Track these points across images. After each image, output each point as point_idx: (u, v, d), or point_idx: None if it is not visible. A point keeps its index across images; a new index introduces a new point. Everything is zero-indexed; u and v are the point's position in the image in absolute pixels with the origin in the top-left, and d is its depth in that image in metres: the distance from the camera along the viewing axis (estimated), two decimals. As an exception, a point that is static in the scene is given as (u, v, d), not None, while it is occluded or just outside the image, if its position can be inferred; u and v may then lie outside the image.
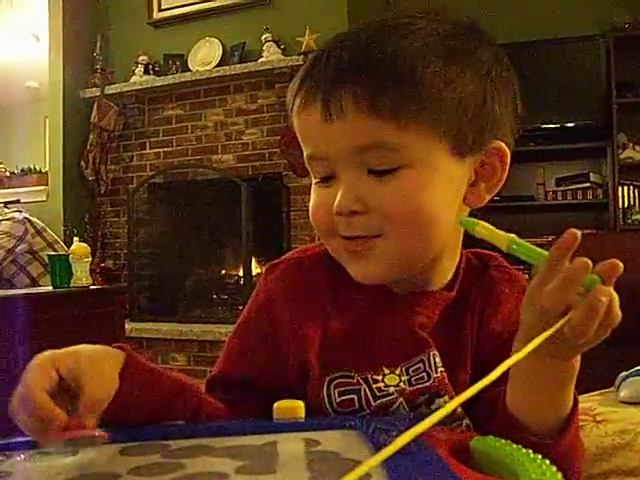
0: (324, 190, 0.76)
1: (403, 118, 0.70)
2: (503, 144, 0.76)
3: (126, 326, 3.22)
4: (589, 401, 1.15)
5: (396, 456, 0.54)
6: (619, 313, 0.58)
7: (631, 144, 4.54)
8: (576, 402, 0.70)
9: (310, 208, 0.79)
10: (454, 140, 0.73)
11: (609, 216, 4.47)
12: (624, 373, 1.21)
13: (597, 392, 1.22)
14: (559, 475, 0.54)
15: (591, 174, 4.63)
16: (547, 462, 0.55)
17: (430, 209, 0.72)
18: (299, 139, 0.78)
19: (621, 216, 4.48)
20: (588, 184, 4.62)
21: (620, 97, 4.45)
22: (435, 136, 0.72)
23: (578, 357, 0.65)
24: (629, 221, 4.49)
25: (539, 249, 0.61)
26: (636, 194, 4.56)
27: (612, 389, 1.22)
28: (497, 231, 0.64)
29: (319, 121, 0.72)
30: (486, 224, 0.64)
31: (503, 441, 0.60)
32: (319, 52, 0.76)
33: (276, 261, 0.88)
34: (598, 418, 1.04)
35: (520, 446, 0.58)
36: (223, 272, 5.22)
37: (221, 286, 5.10)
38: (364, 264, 0.75)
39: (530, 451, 0.57)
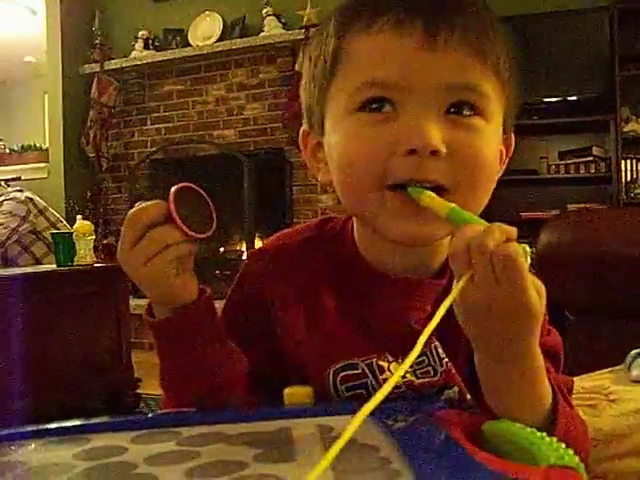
0: (376, 125, 0.68)
1: (501, 72, 0.70)
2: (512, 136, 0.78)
3: (131, 303, 3.23)
4: (601, 379, 1.14)
5: (410, 439, 0.55)
6: (514, 257, 0.57)
7: (634, 117, 4.50)
8: (555, 396, 0.68)
9: (348, 145, 0.70)
10: (505, 114, 0.74)
11: (612, 190, 4.45)
12: (635, 351, 1.20)
13: (607, 370, 1.21)
14: (576, 458, 0.54)
15: (594, 148, 4.60)
16: (563, 445, 0.55)
17: (493, 165, 0.73)
18: (358, 59, 0.70)
19: (624, 190, 4.47)
20: (591, 158, 4.59)
21: (623, 70, 4.40)
22: (503, 101, 0.73)
23: (534, 360, 0.64)
24: (631, 194, 4.47)
25: (478, 219, 0.62)
26: (639, 168, 4.54)
27: (622, 366, 1.21)
28: (440, 200, 0.65)
29: (414, 46, 0.66)
30: (431, 193, 0.65)
31: (517, 424, 0.60)
32: None
33: (259, 247, 0.86)
34: (611, 397, 1.03)
35: (535, 429, 0.58)
36: (225, 248, 5.22)
37: (223, 262, 5.11)
38: (418, 222, 0.68)
39: (545, 434, 0.57)
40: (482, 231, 0.58)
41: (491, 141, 0.71)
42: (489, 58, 0.69)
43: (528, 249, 0.59)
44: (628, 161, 4.51)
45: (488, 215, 0.75)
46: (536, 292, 0.59)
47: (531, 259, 0.59)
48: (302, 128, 0.81)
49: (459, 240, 0.59)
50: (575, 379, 0.82)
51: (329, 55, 0.72)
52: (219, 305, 0.78)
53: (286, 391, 0.68)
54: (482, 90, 0.69)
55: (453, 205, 0.63)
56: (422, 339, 0.54)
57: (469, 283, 0.59)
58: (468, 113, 0.69)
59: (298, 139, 0.81)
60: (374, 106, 0.69)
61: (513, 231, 0.58)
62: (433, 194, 0.65)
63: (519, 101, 0.76)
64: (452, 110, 0.68)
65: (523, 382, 0.65)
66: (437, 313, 0.56)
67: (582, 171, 4.61)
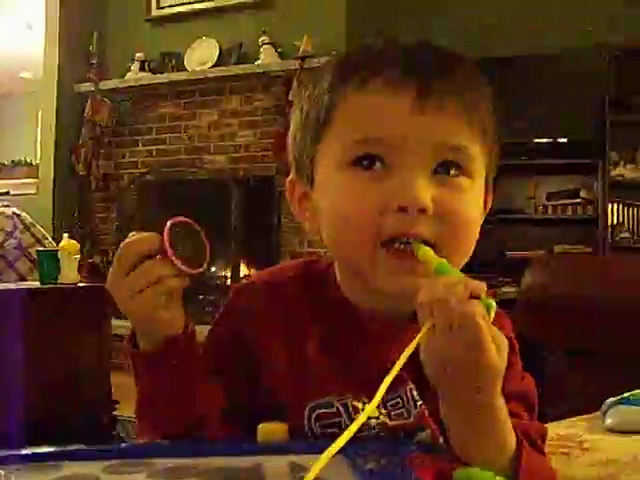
0: (368, 182, 0.70)
1: (487, 132, 0.73)
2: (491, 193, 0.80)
3: (113, 323, 3.20)
4: (575, 426, 1.15)
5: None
6: (471, 315, 0.59)
7: (622, 162, 4.56)
8: (520, 442, 0.69)
9: (341, 202, 0.72)
10: (488, 171, 0.77)
11: (598, 232, 4.49)
12: (611, 399, 1.20)
13: (583, 417, 1.21)
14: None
15: (582, 190, 4.66)
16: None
17: (477, 222, 0.74)
18: (352, 116, 0.72)
19: (609, 233, 4.50)
20: (578, 200, 4.65)
21: (614, 115, 4.47)
22: (487, 159, 0.75)
23: (495, 410, 0.65)
24: (617, 238, 4.51)
25: (457, 273, 0.65)
26: (625, 212, 4.59)
27: (598, 414, 1.21)
28: (433, 255, 0.67)
29: (407, 108, 0.69)
30: (428, 248, 0.68)
31: (487, 473, 0.60)
32: (389, 42, 0.76)
33: (244, 282, 0.87)
34: (584, 445, 1.04)
35: (503, 478, 0.58)
36: (211, 272, 5.20)
37: (208, 286, 5.09)
38: (414, 276, 0.69)
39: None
40: (448, 285, 0.60)
41: (475, 200, 0.74)
42: (477, 121, 0.72)
43: (493, 304, 0.61)
44: (615, 205, 4.56)
45: (472, 253, 0.77)
46: (496, 347, 0.60)
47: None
48: (289, 177, 0.82)
49: (426, 291, 0.62)
50: (549, 425, 0.83)
51: (323, 109, 0.74)
52: (200, 330, 0.78)
53: (260, 427, 0.68)
54: (469, 152, 0.72)
55: (443, 260, 0.66)
56: (385, 382, 0.58)
57: (431, 333, 0.60)
58: (455, 173, 0.72)
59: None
60: (365, 163, 0.71)
61: (480, 287, 0.60)
62: (429, 249, 0.68)
63: (499, 156, 0.79)
64: (439, 170, 0.71)
65: (485, 431, 0.66)
66: (400, 358, 0.58)
67: (569, 213, 4.66)
